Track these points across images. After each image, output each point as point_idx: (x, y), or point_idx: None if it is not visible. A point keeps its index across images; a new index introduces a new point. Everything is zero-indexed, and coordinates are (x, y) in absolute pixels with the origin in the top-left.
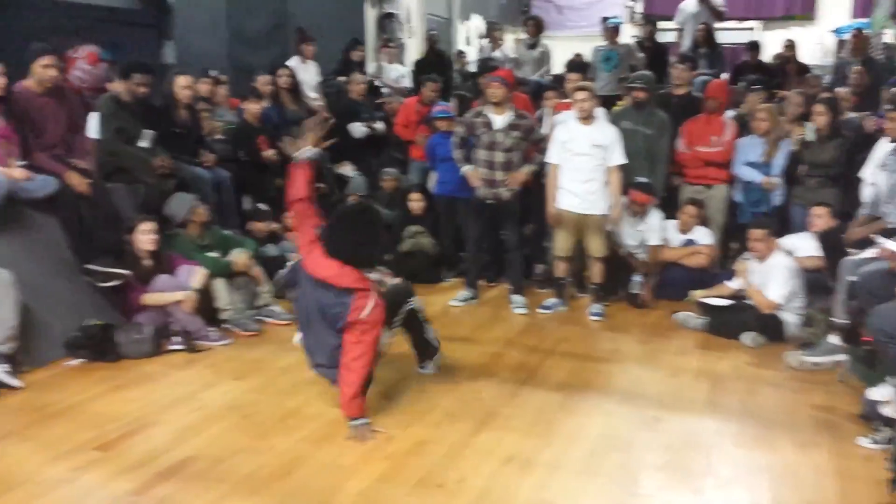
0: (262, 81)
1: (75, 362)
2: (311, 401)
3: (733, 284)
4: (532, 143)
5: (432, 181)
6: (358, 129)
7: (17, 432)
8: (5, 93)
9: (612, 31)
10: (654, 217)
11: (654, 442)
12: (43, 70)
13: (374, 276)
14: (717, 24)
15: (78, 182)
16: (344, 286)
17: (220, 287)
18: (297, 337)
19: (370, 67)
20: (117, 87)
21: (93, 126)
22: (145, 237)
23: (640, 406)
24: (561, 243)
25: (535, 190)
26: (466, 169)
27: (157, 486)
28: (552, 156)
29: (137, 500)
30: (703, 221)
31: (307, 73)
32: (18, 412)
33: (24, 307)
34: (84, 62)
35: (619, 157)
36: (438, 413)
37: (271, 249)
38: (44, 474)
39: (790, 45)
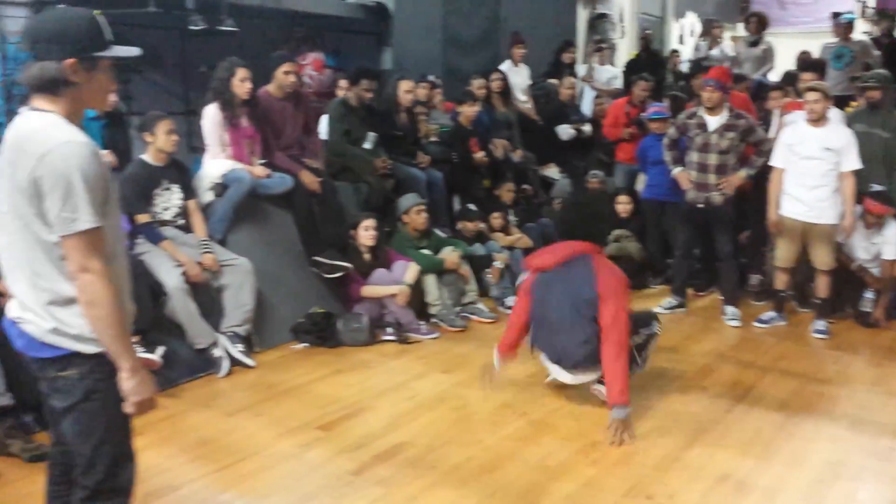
0: (477, 85)
1: (300, 346)
2: (515, 399)
3: None
4: (750, 145)
5: (640, 184)
6: (565, 131)
7: (250, 407)
8: (251, 97)
9: (845, 27)
10: (892, 229)
11: (887, 473)
12: (284, 76)
13: None
14: None
15: (310, 180)
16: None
17: (431, 283)
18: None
19: (581, 69)
20: (345, 91)
21: (323, 128)
22: (367, 233)
23: (871, 434)
24: (783, 253)
25: (754, 195)
26: (677, 171)
27: (374, 468)
28: (777, 159)
29: (356, 479)
30: None
31: (518, 76)
32: (251, 389)
33: (258, 293)
34: (311, 68)
35: (853, 162)
36: (647, 424)
37: (479, 249)
38: (273, 448)
39: None
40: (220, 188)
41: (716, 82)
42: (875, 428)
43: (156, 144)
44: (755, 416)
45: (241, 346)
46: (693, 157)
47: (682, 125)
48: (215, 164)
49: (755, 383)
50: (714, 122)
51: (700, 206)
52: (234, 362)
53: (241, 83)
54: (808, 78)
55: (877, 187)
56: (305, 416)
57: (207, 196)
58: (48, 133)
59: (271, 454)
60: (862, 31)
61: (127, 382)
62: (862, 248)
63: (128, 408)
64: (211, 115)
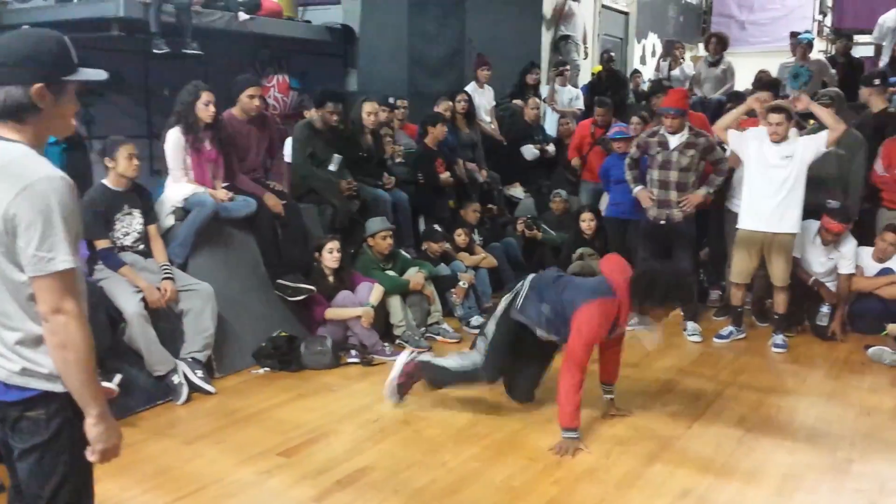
0: (444, 107)
1: (261, 371)
2: (479, 419)
3: None
4: (710, 163)
5: (604, 203)
6: (529, 151)
7: (210, 435)
8: (214, 120)
9: (804, 47)
10: (848, 244)
11: (845, 486)
12: (248, 100)
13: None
14: None
15: (274, 203)
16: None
17: (395, 304)
18: None
19: (545, 90)
20: (311, 114)
21: (287, 151)
22: (331, 255)
23: (829, 446)
24: (739, 268)
25: (713, 212)
26: (637, 190)
27: (336, 494)
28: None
29: None
30: None
31: (483, 97)
32: (211, 416)
33: (220, 317)
34: (276, 90)
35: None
36: (609, 441)
37: (443, 269)
38: (233, 475)
39: None
40: (182, 212)
41: (675, 110)
42: (832, 440)
43: (117, 169)
44: (715, 431)
45: (200, 372)
46: (654, 174)
47: (643, 143)
48: (177, 189)
49: (715, 398)
50: (675, 140)
51: (662, 223)
52: (194, 389)
53: (204, 107)
54: (764, 97)
55: (833, 204)
56: (267, 443)
57: (169, 221)
58: (24, 166)
59: (232, 482)
60: (819, 50)
61: (94, 429)
62: (818, 264)
63: (92, 456)
64: (173, 139)
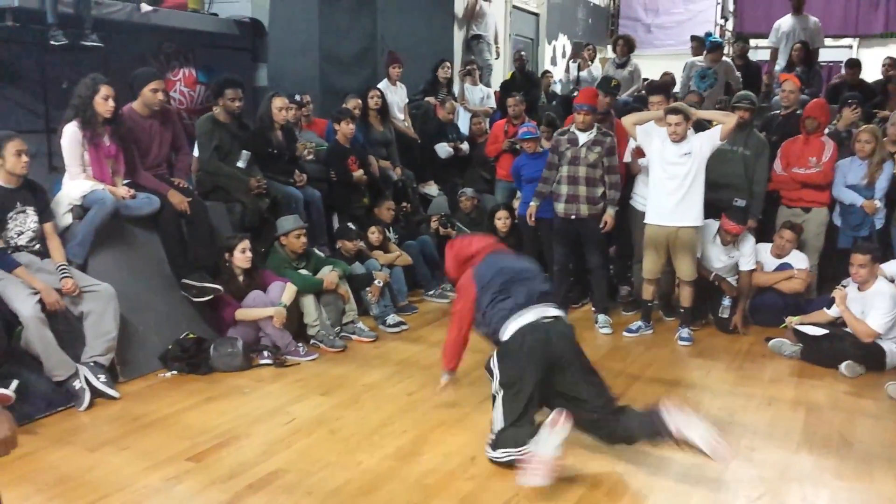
0: (353, 104)
1: (169, 374)
2: (395, 418)
3: (832, 312)
4: (605, 168)
5: (518, 201)
6: (443, 149)
7: (114, 441)
8: (114, 115)
9: (715, 49)
10: (747, 243)
11: (747, 474)
12: (152, 94)
13: None
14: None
15: (179, 200)
16: None
17: (309, 304)
18: None
19: (456, 89)
20: (215, 109)
21: (194, 146)
22: (243, 255)
23: (732, 436)
24: (649, 265)
25: (621, 211)
26: (532, 206)
27: (248, 498)
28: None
29: None
30: (800, 245)
31: (396, 94)
32: (115, 422)
33: (123, 320)
34: (182, 84)
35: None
36: None
37: (358, 268)
38: (139, 483)
39: (892, 63)
40: (80, 210)
41: (588, 107)
42: (736, 430)
43: (5, 166)
44: None
45: (103, 377)
46: (564, 170)
47: (555, 142)
48: (75, 185)
49: (625, 391)
50: (584, 137)
51: (572, 217)
52: (97, 394)
53: (103, 101)
54: (656, 100)
55: (740, 202)
56: (174, 448)
57: (66, 219)
58: None
59: (137, 489)
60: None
61: None
62: (718, 261)
63: None
64: (70, 134)
